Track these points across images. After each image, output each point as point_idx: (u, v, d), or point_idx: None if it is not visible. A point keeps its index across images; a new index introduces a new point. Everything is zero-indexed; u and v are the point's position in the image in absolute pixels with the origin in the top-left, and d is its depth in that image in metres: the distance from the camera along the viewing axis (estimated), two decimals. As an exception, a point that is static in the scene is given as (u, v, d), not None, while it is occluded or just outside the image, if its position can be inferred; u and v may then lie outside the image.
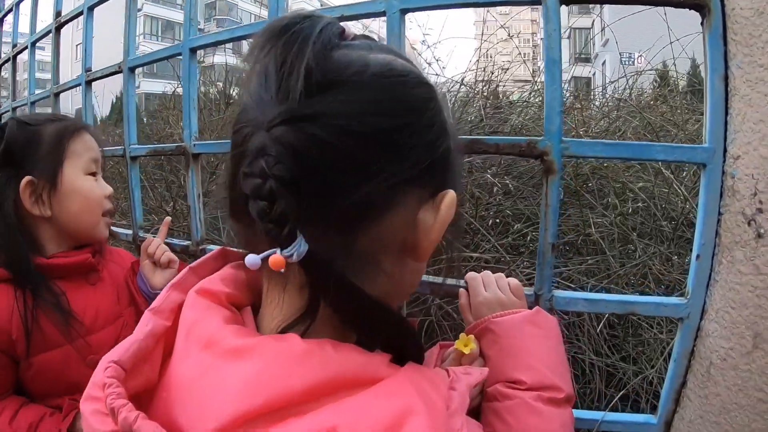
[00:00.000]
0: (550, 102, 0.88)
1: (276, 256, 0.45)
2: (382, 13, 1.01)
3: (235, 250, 0.63)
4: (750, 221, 0.75)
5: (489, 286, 0.85)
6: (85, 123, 1.26)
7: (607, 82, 3.37)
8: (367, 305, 0.50)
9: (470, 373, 0.56)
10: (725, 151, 0.80)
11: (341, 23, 0.52)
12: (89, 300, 1.16)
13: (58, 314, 1.08)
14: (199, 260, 0.62)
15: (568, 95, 3.22)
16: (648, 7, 0.94)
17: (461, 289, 0.90)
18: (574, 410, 0.98)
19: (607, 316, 1.82)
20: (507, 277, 0.87)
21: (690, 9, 0.81)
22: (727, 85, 0.79)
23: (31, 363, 1.06)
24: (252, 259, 0.48)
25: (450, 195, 0.52)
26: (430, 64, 2.89)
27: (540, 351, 0.75)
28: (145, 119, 5.05)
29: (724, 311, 0.81)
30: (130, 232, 1.65)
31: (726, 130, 0.80)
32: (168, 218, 1.40)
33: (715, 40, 0.79)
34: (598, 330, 1.72)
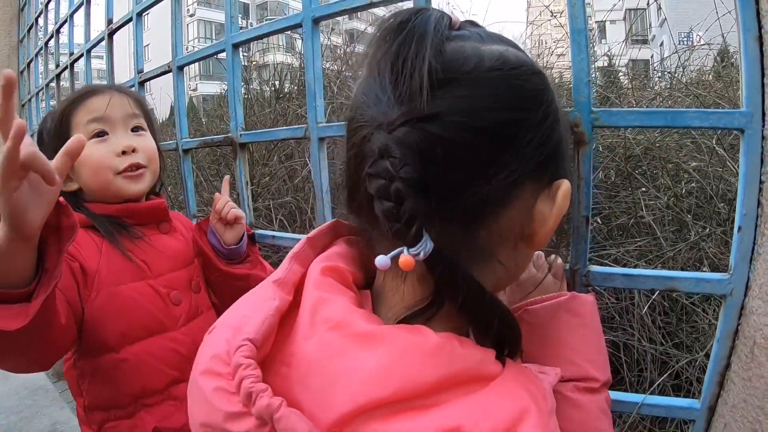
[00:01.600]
0: (578, 72, 0.85)
1: (406, 258, 0.47)
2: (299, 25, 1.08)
3: (345, 222, 0.65)
4: (792, 187, 0.70)
5: (538, 265, 0.83)
6: (94, 86, 1.26)
7: (661, 60, 3.26)
8: (484, 300, 0.51)
9: (546, 373, 0.58)
10: (764, 114, 0.75)
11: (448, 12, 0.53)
12: (167, 243, 1.24)
13: (141, 249, 1.17)
14: (314, 231, 0.63)
15: (623, 77, 3.14)
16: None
17: None
18: (616, 392, 0.96)
19: (655, 300, 1.76)
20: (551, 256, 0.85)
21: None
22: (761, 45, 0.74)
23: (114, 292, 1.10)
24: (382, 261, 0.49)
25: (566, 184, 0.53)
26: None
27: (576, 341, 0.73)
28: (203, 120, 5.24)
29: (768, 286, 0.76)
30: None
31: (764, 92, 0.75)
32: (227, 176, 1.44)
33: (748, -2, 0.74)
34: (643, 312, 1.65)
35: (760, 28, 0.74)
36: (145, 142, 1.23)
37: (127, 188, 1.19)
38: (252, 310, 0.52)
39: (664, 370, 1.77)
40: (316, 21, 1.22)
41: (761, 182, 0.76)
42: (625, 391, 1.74)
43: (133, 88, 1.93)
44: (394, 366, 0.45)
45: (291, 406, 0.44)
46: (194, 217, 1.69)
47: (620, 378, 1.84)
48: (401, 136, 0.46)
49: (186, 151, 1.70)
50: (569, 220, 0.63)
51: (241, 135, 1.46)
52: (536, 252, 0.84)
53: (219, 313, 1.34)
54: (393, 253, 0.48)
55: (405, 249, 0.47)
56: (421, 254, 0.46)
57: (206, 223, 1.35)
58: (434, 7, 0.51)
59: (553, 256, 0.83)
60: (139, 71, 1.90)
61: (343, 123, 1.30)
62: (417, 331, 0.48)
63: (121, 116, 1.19)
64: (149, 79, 1.89)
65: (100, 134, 1.17)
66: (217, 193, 1.35)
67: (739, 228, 0.79)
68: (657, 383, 1.57)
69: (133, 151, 1.18)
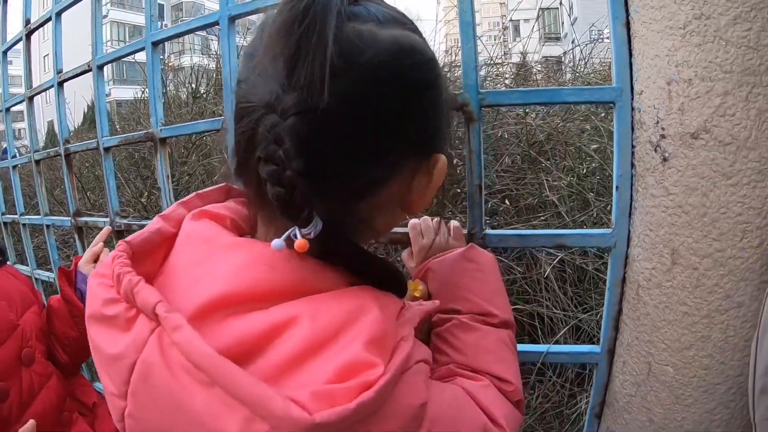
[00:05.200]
0: (466, 59, 0.96)
1: (301, 242, 0.50)
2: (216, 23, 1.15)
3: (237, 187, 0.67)
4: (656, 147, 0.83)
5: (426, 233, 0.90)
6: None
7: (575, 58, 3.47)
8: (367, 259, 0.56)
9: (423, 304, 0.64)
10: (632, 89, 0.88)
11: None
12: None
13: None
14: (206, 189, 0.68)
15: (537, 74, 3.31)
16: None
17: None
18: (524, 344, 1.07)
19: (567, 273, 1.91)
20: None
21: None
22: (629, 30, 0.87)
23: None
24: (278, 244, 0.51)
25: (442, 160, 0.58)
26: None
27: (472, 283, 0.81)
28: (117, 125, 5.10)
29: (644, 235, 0.88)
30: (107, 219, 1.71)
31: (632, 70, 0.88)
32: (107, 227, 1.44)
33: (615, -10, 0.87)
34: (545, 275, 1.80)
35: (627, 15, 0.87)
36: None
37: None
38: (139, 232, 0.59)
39: (578, 335, 1.93)
40: (233, 19, 1.26)
41: (633, 147, 0.89)
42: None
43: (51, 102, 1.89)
44: (248, 266, 0.51)
45: None
46: (117, 215, 1.68)
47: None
48: (293, 125, 0.47)
49: (107, 150, 1.68)
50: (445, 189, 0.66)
51: (161, 130, 1.48)
52: (436, 219, 0.93)
53: (70, 371, 1.21)
54: (285, 234, 0.51)
55: (297, 230, 0.50)
56: (312, 234, 0.50)
57: (72, 272, 1.20)
58: None
59: (453, 222, 0.92)
60: (59, 71, 1.86)
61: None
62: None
63: None
64: (69, 79, 1.86)
65: None
66: (99, 243, 1.29)
67: (617, 187, 0.92)
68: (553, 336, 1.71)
69: None
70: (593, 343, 1.97)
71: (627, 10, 0.87)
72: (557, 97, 0.95)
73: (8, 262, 1.16)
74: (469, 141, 0.95)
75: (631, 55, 0.87)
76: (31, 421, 0.89)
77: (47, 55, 1.92)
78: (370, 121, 0.50)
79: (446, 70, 2.81)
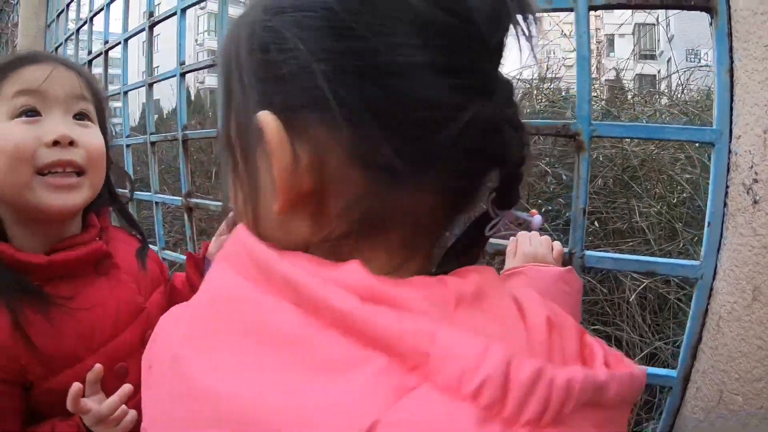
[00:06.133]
0: (581, 92, 1.04)
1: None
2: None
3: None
4: (748, 190, 0.88)
5: (533, 242, 0.96)
6: (33, 53, 0.90)
7: (660, 79, 3.41)
8: None
9: None
10: (731, 132, 0.93)
11: None
12: (105, 295, 0.91)
13: (68, 324, 0.84)
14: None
15: (631, 94, 3.28)
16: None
17: (512, 237, 1.00)
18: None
19: (647, 299, 1.93)
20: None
21: (700, 11, 0.95)
22: (732, 77, 0.92)
23: (49, 388, 0.82)
24: (539, 220, 0.46)
25: None
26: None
27: (562, 306, 0.88)
28: (210, 113, 5.32)
29: (730, 270, 0.93)
30: (219, 203, 1.86)
31: (731, 115, 0.93)
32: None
33: (722, 38, 0.92)
34: (631, 299, 1.81)
35: (731, 62, 0.93)
36: (90, 136, 0.89)
37: (49, 201, 0.83)
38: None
39: (652, 362, 1.93)
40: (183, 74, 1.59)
41: (727, 186, 0.94)
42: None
43: (173, 78, 2.01)
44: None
45: None
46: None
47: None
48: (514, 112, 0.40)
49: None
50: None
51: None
52: (545, 236, 1.00)
53: None
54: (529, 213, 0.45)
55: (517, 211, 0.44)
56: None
57: (201, 258, 1.11)
58: None
59: (557, 242, 0.99)
60: (182, 63, 1.98)
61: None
62: (484, 270, 0.43)
63: (64, 95, 0.87)
64: (191, 71, 1.99)
65: (30, 113, 0.83)
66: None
67: (709, 223, 0.98)
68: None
69: (71, 144, 0.85)
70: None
71: (732, 57, 0.92)
72: (660, 134, 1.02)
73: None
74: (578, 169, 1.02)
75: (732, 99, 0.93)
76: (126, 389, 0.85)
77: (159, 34, 2.12)
78: None
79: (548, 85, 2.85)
